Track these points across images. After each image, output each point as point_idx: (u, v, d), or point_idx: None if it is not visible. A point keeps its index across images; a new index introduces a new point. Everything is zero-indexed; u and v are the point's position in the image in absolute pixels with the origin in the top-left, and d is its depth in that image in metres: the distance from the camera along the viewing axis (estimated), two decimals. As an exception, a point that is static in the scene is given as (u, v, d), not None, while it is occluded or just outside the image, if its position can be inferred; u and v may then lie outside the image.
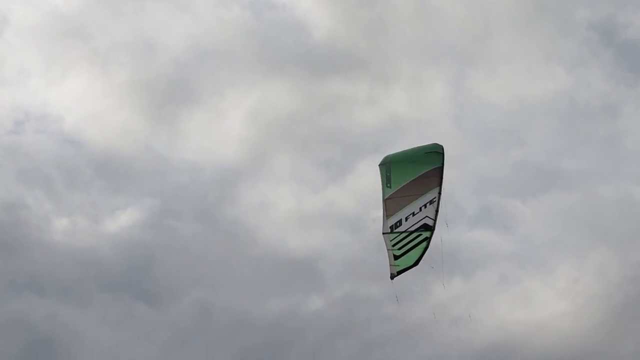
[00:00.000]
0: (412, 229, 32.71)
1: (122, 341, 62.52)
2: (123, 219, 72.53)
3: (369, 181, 65.89)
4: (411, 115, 79.61)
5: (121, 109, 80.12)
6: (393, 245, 32.76)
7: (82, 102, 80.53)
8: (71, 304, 64.55)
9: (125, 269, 68.87)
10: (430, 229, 32.58)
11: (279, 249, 69.54)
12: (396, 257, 32.65)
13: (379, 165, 34.91)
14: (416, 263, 32.43)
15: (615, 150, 78.92)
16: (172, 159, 79.16)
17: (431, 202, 32.99)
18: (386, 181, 34.13)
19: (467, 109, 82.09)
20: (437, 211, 32.87)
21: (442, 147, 34.59)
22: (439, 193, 33.20)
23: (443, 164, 34.01)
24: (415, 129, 79.01)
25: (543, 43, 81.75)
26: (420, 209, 32.98)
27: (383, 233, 33.19)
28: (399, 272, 32.58)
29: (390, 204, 33.47)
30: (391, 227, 33.06)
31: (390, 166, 34.56)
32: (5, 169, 74.34)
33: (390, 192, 33.85)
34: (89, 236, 70.73)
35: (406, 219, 32.86)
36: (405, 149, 35.60)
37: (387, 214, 33.36)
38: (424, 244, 32.46)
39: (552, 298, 66.02)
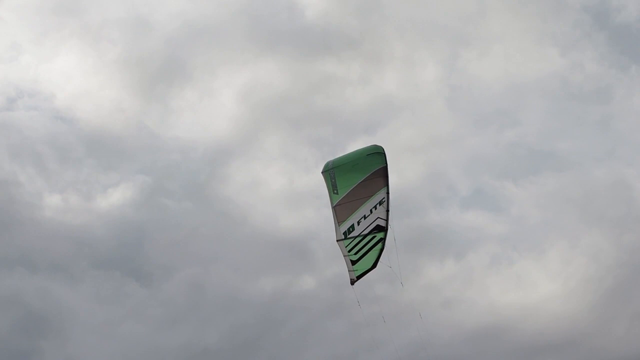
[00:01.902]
0: (366, 232, 32.62)
1: (114, 318, 62.48)
2: (115, 197, 72.44)
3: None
4: (403, 96, 79.25)
5: (113, 86, 79.52)
6: (349, 251, 32.69)
7: (74, 79, 79.98)
8: (63, 281, 64.35)
9: (117, 246, 68.66)
10: (383, 229, 32.49)
11: (270, 227, 69.37)
12: (354, 262, 32.60)
13: (322, 172, 34.73)
14: (374, 265, 32.34)
15: (607, 132, 79.09)
16: (163, 136, 78.67)
17: (380, 202, 32.85)
18: (332, 188, 34.01)
19: (460, 90, 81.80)
20: (387, 211, 32.72)
21: (382, 148, 34.43)
22: (387, 192, 33.00)
23: (386, 163, 33.79)
24: (407, 109, 78.79)
25: (536, 25, 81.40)
26: (371, 210, 32.88)
27: (337, 240, 33.10)
28: (359, 277, 32.53)
29: (340, 210, 33.38)
30: (344, 233, 32.98)
31: (334, 172, 34.39)
32: (-3, 146, 74.81)
33: (338, 198, 33.75)
34: (81, 213, 70.70)
35: (358, 222, 32.79)
36: (346, 153, 35.44)
37: (339, 220, 33.27)
38: (379, 245, 32.36)
39: (544, 280, 66.08)
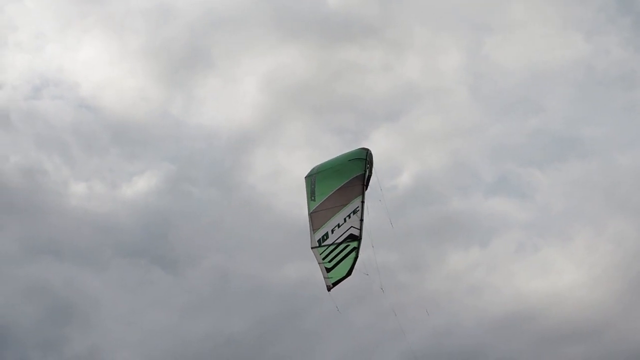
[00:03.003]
0: (339, 240, 32.60)
1: (139, 306, 63.15)
2: (140, 185, 73.20)
3: (383, 149, 65.53)
4: (426, 83, 78.51)
5: (137, 75, 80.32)
6: (323, 259, 32.74)
7: (98, 68, 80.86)
8: (89, 269, 65.16)
9: (142, 234, 69.36)
10: (356, 238, 32.39)
11: (294, 215, 69.34)
12: (328, 270, 32.61)
13: (305, 177, 34.76)
14: (348, 274, 32.26)
15: (633, 118, 77.06)
16: (187, 124, 79.30)
17: (354, 211, 32.80)
18: (310, 194, 34.06)
19: (483, 77, 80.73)
20: (361, 220, 32.63)
21: (365, 153, 34.33)
22: (362, 202, 32.92)
23: (366, 170, 33.67)
24: (429, 97, 78.13)
25: (560, 10, 79.62)
26: (345, 219, 32.86)
27: (311, 247, 33.14)
28: (334, 284, 32.51)
29: (316, 218, 33.40)
30: (319, 241, 33.03)
31: (315, 178, 34.43)
32: (23, 135, 75.00)
33: (314, 205, 33.80)
34: (107, 201, 71.39)
35: (332, 231, 32.79)
36: (332, 157, 35.42)
37: (313, 227, 33.32)
38: (353, 254, 32.29)
39: (569, 267, 65.22)
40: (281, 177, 73.99)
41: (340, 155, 35.30)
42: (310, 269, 64.60)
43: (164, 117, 79.14)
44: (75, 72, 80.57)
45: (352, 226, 32.62)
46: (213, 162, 76.33)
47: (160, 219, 70.69)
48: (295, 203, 70.13)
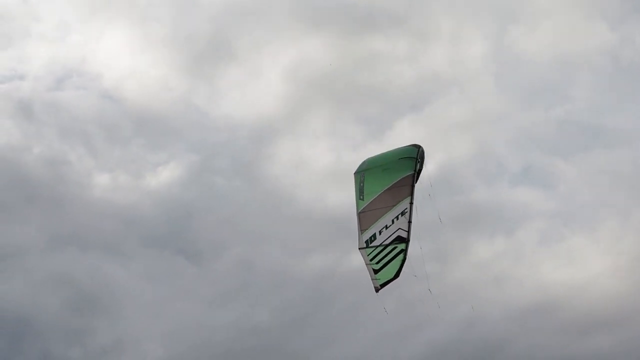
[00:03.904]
0: (387, 242, 32.33)
1: (163, 297, 63.81)
2: (164, 175, 73.67)
3: (407, 138, 65.14)
4: (451, 72, 78.20)
5: (160, 65, 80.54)
6: (371, 260, 32.49)
7: (122, 58, 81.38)
8: (113, 260, 65.98)
9: (166, 224, 70.02)
10: (404, 240, 32.12)
11: (318, 205, 69.46)
12: (376, 271, 32.36)
13: (354, 173, 34.46)
14: (396, 276, 32.01)
15: (659, 107, 76.61)
16: (211, 115, 79.75)
17: (403, 213, 32.48)
18: (359, 193, 33.74)
19: (508, 66, 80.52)
20: (409, 222, 32.31)
21: (417, 151, 33.96)
22: (411, 203, 32.61)
23: (416, 170, 33.36)
24: (455, 86, 77.81)
25: (586, -1, 79.09)
26: (393, 221, 32.53)
27: (359, 248, 32.89)
28: (382, 285, 32.27)
29: (364, 218, 33.11)
30: (366, 242, 32.75)
31: (364, 175, 34.10)
32: (46, 126, 75.85)
33: (363, 204, 33.49)
34: (131, 192, 72.19)
35: (380, 232, 32.50)
36: (383, 152, 35.09)
37: (362, 228, 33.04)
38: (400, 256, 32.03)
39: (594, 257, 65.04)
40: (305, 168, 73.96)
41: (391, 151, 34.89)
42: (334, 259, 64.87)
43: (187, 107, 79.40)
44: (98, 62, 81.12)
45: (400, 228, 32.34)
46: (237, 153, 76.59)
47: (184, 209, 71.21)
48: (319, 192, 70.34)
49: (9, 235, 65.02)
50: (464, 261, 62.88)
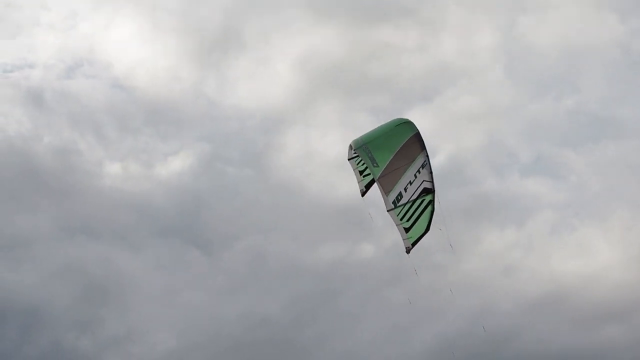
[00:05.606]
0: (414, 197, 32.50)
1: (174, 286, 63.20)
2: (174, 165, 73.14)
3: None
4: (461, 63, 78.48)
5: (170, 54, 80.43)
6: (401, 219, 32.59)
7: (131, 47, 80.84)
8: (124, 249, 65.16)
9: (177, 214, 69.51)
10: (430, 191, 32.51)
11: (328, 196, 69.36)
12: (407, 230, 32.50)
13: (356, 148, 34.69)
14: (427, 229, 32.34)
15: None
16: (221, 104, 79.51)
17: (423, 166, 32.91)
18: (371, 162, 33.82)
19: (518, 57, 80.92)
20: (431, 172, 32.81)
21: (409, 120, 34.46)
22: (427, 155, 33.06)
23: (418, 129, 33.81)
24: (465, 77, 78.01)
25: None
26: (415, 175, 32.83)
27: (387, 210, 32.98)
28: (413, 244, 32.50)
29: (384, 181, 33.20)
30: (394, 202, 32.83)
31: (368, 147, 34.23)
32: (57, 115, 75.13)
33: (379, 170, 33.52)
34: (141, 181, 71.62)
35: (405, 189, 32.67)
36: (373, 129, 35.43)
37: (385, 190, 33.08)
38: (429, 208, 32.38)
39: (605, 248, 65.19)
40: (315, 158, 74.01)
41: (382, 125, 35.37)
42: (345, 249, 64.74)
43: (197, 97, 79.26)
44: (108, 51, 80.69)
45: (424, 180, 32.71)
46: (247, 143, 76.48)
47: (195, 199, 70.72)
48: (329, 183, 70.36)
49: (19, 224, 63.98)
50: (475, 252, 62.94)
